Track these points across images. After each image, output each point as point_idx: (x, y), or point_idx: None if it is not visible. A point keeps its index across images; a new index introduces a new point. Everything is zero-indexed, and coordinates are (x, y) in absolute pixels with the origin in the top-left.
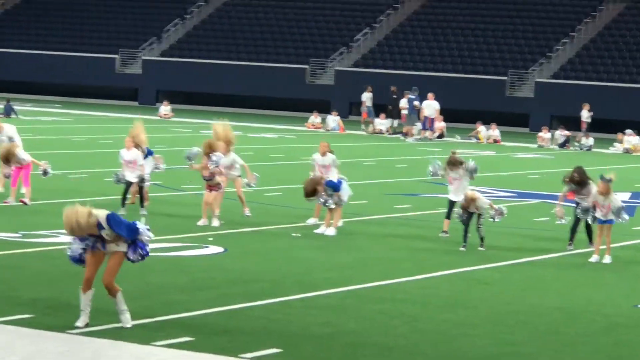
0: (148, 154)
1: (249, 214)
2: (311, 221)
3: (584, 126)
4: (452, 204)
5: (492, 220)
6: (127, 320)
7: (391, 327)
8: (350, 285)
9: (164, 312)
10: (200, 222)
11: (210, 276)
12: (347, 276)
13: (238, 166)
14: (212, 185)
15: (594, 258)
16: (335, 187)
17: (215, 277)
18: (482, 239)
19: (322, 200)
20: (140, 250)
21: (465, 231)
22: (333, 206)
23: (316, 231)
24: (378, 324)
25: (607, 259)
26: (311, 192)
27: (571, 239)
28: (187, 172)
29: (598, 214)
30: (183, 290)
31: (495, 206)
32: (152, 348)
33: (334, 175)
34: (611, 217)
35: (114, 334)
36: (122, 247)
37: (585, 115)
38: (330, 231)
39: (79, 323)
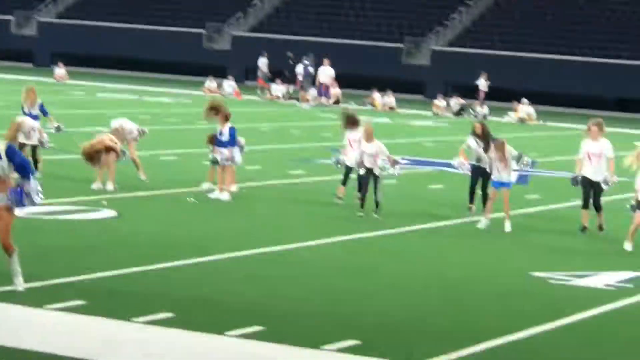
0: (42, 114)
1: (145, 178)
2: (205, 186)
3: (481, 95)
4: (349, 170)
5: (393, 173)
6: (20, 283)
7: (285, 292)
8: (244, 250)
9: (56, 275)
10: (94, 186)
11: (103, 240)
12: (241, 241)
13: (135, 130)
14: (108, 149)
15: (482, 223)
16: (223, 143)
17: (108, 241)
18: (377, 204)
19: (214, 157)
20: (17, 196)
21: (363, 196)
22: (227, 163)
23: (210, 195)
24: (272, 289)
25: (507, 227)
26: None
27: (471, 200)
28: (81, 135)
29: (495, 175)
30: (75, 254)
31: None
32: (43, 311)
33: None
34: (506, 179)
35: (4, 297)
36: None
37: (483, 84)
38: (225, 195)
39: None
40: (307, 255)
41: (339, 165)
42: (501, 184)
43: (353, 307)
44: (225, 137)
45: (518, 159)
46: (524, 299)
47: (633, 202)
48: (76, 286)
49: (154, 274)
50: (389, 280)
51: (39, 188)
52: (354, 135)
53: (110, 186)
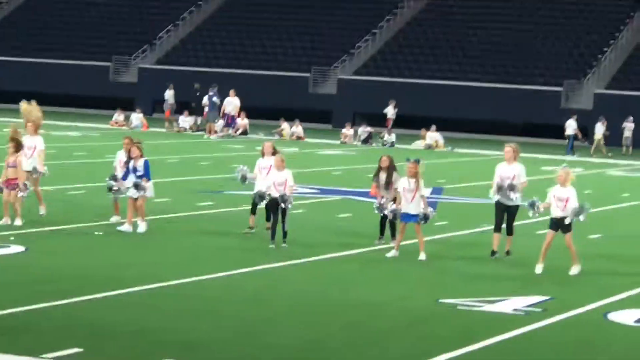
0: None
1: (43, 213)
2: (114, 219)
3: (389, 123)
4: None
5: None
6: None
7: (196, 324)
8: (154, 282)
9: None
10: (2, 222)
11: (12, 276)
12: (151, 273)
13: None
14: (11, 182)
15: (391, 253)
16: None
17: (18, 277)
18: (285, 234)
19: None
20: None
21: (273, 225)
22: (137, 195)
23: (121, 228)
24: (183, 321)
25: (422, 256)
26: None
27: (381, 232)
28: None
29: (404, 207)
30: None
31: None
32: None
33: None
34: (415, 211)
35: None
36: None
37: (391, 112)
38: (143, 227)
39: None
40: (218, 286)
41: (245, 181)
42: (409, 217)
43: (262, 338)
44: (140, 171)
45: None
46: (433, 325)
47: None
48: None
49: (63, 308)
50: (297, 309)
51: None
52: (265, 163)
53: (18, 222)
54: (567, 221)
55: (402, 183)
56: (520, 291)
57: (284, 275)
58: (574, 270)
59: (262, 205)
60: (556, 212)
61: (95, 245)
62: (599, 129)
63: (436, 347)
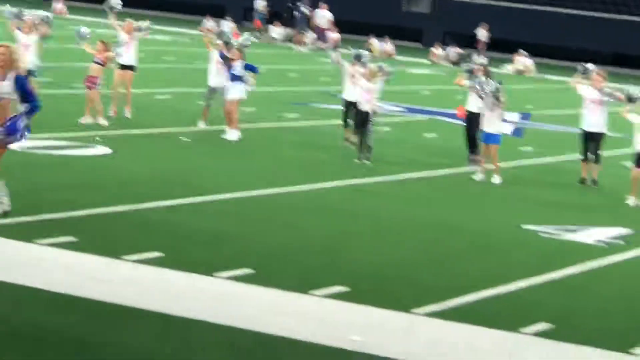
0: None
1: (129, 115)
2: (201, 125)
3: (481, 45)
4: (348, 106)
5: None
6: (6, 203)
7: (274, 235)
8: (236, 191)
9: (48, 211)
10: (83, 120)
11: (96, 177)
12: (233, 183)
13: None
14: (92, 80)
15: (478, 176)
16: (253, 69)
17: (102, 178)
18: (369, 149)
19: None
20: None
21: (360, 140)
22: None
23: (226, 136)
24: (262, 230)
25: (495, 179)
26: None
27: (471, 149)
28: (78, 70)
29: (484, 124)
30: (68, 190)
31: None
32: (33, 246)
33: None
34: (495, 131)
35: None
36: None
37: (483, 34)
38: (235, 134)
39: None
40: (300, 198)
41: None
42: (488, 137)
43: (345, 253)
44: (238, 72)
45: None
46: (513, 250)
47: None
48: (67, 222)
49: (146, 212)
50: (381, 227)
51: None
52: (354, 71)
53: (101, 121)
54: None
55: (487, 101)
56: (604, 222)
57: (367, 190)
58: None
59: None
60: (638, 146)
61: (179, 150)
62: None
63: (515, 272)
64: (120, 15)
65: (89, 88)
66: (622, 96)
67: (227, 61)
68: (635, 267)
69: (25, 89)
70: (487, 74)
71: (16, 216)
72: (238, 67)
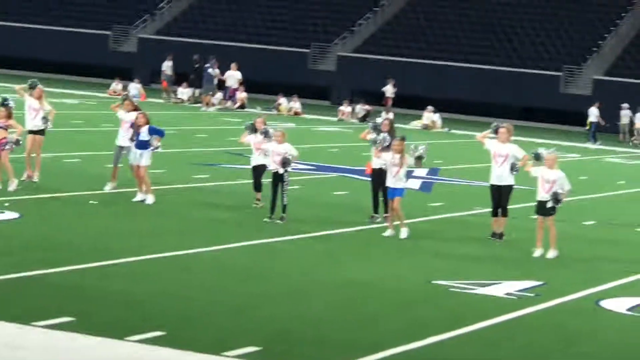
0: None
1: (36, 179)
2: (108, 187)
3: (388, 102)
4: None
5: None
6: None
7: (187, 297)
8: (147, 254)
9: None
10: None
11: (5, 242)
12: (144, 244)
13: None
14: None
15: (387, 232)
16: (159, 132)
17: (11, 243)
18: (284, 207)
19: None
20: None
21: (273, 198)
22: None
23: (136, 199)
24: (174, 293)
25: (403, 233)
26: None
27: (375, 209)
28: None
29: (389, 181)
30: None
31: None
32: None
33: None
34: (400, 184)
35: None
36: None
37: (390, 90)
38: (150, 199)
39: None
40: (210, 259)
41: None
42: (391, 192)
43: (254, 312)
44: (145, 137)
45: (417, 156)
46: (425, 307)
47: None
48: None
49: (55, 277)
50: (292, 287)
51: None
52: (256, 139)
53: (12, 186)
54: (548, 205)
55: (387, 157)
56: (513, 275)
57: (277, 250)
58: (550, 254)
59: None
60: (541, 195)
61: (88, 213)
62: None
63: (427, 329)
64: (28, 78)
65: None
66: (527, 156)
67: (134, 127)
68: (545, 318)
69: None
70: (392, 129)
71: None
72: (144, 132)
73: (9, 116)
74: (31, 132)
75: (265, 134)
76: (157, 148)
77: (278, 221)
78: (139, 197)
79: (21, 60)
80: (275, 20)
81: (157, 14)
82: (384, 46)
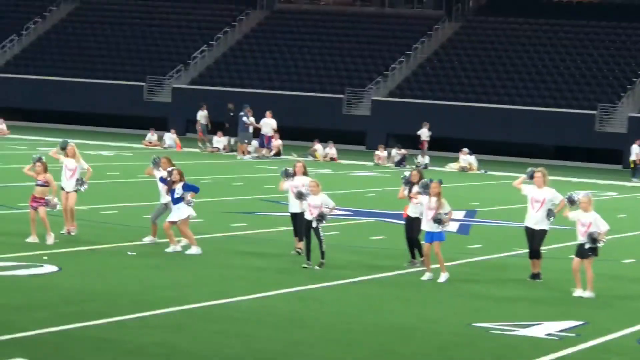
0: None
1: (74, 233)
2: (147, 239)
3: (424, 145)
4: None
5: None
6: None
7: (227, 346)
8: (186, 304)
9: None
10: (30, 239)
11: (45, 295)
12: (183, 295)
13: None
14: (38, 200)
15: (426, 276)
16: (193, 188)
17: (50, 297)
18: (322, 254)
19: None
20: None
21: (308, 245)
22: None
23: (169, 250)
24: (214, 343)
25: (442, 278)
26: None
27: (413, 255)
28: (22, 190)
29: (424, 224)
30: (18, 310)
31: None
32: None
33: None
34: (437, 229)
35: None
36: None
37: (425, 134)
38: (196, 249)
39: None
40: (250, 308)
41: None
42: (430, 236)
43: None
44: (179, 193)
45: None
46: (466, 349)
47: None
48: (17, 343)
49: (94, 330)
50: (331, 334)
51: None
52: (296, 183)
53: (50, 240)
54: (585, 246)
55: (424, 200)
56: (554, 315)
57: (316, 297)
58: (586, 294)
59: (302, 205)
60: (579, 238)
61: (127, 265)
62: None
63: None
64: (74, 134)
65: (34, 209)
66: (564, 200)
67: (168, 185)
68: (587, 358)
69: None
70: (422, 178)
71: None
72: (178, 190)
73: (44, 171)
74: (66, 190)
75: (299, 196)
76: (190, 203)
77: (317, 267)
78: (175, 248)
79: (57, 113)
80: (308, 67)
81: (190, 64)
82: (417, 89)
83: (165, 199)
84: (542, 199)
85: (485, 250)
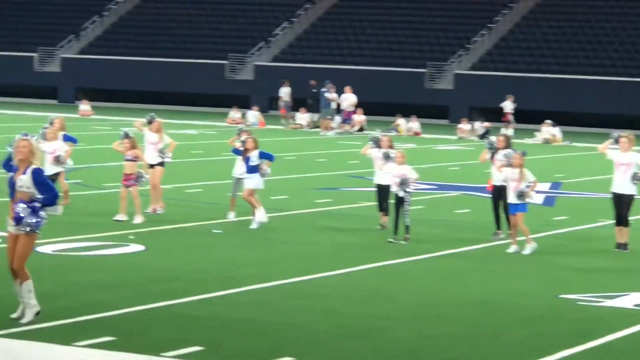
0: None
1: (161, 211)
2: (231, 216)
3: (508, 117)
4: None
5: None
6: (28, 315)
7: (314, 322)
8: (271, 281)
9: (86, 312)
10: (118, 217)
11: (131, 275)
12: (269, 272)
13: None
14: (128, 176)
15: (512, 248)
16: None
17: (137, 276)
18: (407, 228)
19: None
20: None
21: (396, 221)
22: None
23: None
24: (300, 319)
25: (527, 250)
26: None
27: (498, 225)
28: (107, 170)
29: (510, 196)
30: (104, 290)
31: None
32: (74, 349)
33: None
34: (518, 200)
35: (33, 335)
36: (25, 227)
37: (509, 106)
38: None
39: (14, 314)
40: (335, 284)
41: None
42: (513, 207)
43: (382, 335)
44: (255, 161)
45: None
46: (553, 321)
47: None
48: (105, 322)
49: (181, 307)
50: (416, 306)
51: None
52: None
53: (138, 219)
54: None
55: (507, 172)
56: None
57: (402, 272)
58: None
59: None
60: None
61: (212, 243)
62: None
63: (555, 343)
64: (157, 113)
65: (126, 186)
66: None
67: (242, 154)
68: None
69: (43, 182)
70: (508, 145)
71: (53, 319)
72: (254, 157)
73: (133, 146)
74: (151, 165)
75: (386, 157)
76: (266, 174)
77: (402, 242)
78: (255, 224)
79: (140, 93)
80: (390, 42)
81: (272, 41)
82: (500, 62)
83: (238, 172)
84: (627, 162)
85: (571, 221)
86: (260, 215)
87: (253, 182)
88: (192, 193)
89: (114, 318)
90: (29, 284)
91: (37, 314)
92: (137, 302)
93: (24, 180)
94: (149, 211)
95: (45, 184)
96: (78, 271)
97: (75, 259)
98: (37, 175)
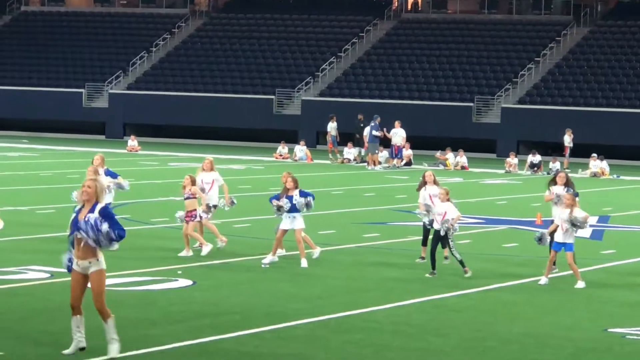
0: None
1: (221, 245)
2: (280, 251)
3: (566, 151)
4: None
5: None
6: (113, 350)
7: (362, 357)
8: (319, 315)
9: (136, 347)
10: (183, 253)
11: (180, 309)
12: (317, 306)
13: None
14: (189, 215)
15: (542, 281)
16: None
17: (186, 311)
18: (461, 263)
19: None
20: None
21: (433, 254)
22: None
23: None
24: (348, 354)
25: (579, 284)
26: None
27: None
28: (155, 205)
29: (558, 236)
30: (154, 324)
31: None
32: None
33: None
34: (569, 240)
35: None
36: (95, 265)
37: (567, 140)
38: (316, 253)
39: (66, 351)
40: (384, 319)
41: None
42: (561, 247)
43: None
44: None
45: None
46: (601, 355)
47: None
48: (156, 357)
49: (228, 342)
50: (464, 340)
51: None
52: (430, 192)
53: (205, 250)
54: None
55: (557, 212)
56: None
57: (450, 305)
58: None
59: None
60: None
61: (260, 278)
62: None
63: None
64: (205, 148)
65: (187, 222)
66: None
67: (284, 191)
68: None
69: (111, 218)
70: (568, 180)
71: (103, 354)
72: (296, 197)
73: (192, 183)
74: (214, 205)
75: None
76: (308, 206)
77: (466, 275)
78: (303, 263)
79: (187, 128)
80: (437, 76)
81: (319, 76)
82: (547, 96)
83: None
84: None
85: (619, 255)
86: (316, 254)
87: (300, 221)
88: (239, 228)
89: (163, 353)
90: (113, 320)
91: (81, 349)
92: (185, 337)
93: (91, 218)
94: (197, 246)
95: (114, 219)
96: (127, 306)
97: (124, 294)
98: (105, 212)
